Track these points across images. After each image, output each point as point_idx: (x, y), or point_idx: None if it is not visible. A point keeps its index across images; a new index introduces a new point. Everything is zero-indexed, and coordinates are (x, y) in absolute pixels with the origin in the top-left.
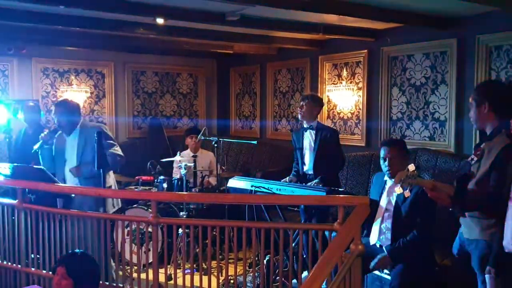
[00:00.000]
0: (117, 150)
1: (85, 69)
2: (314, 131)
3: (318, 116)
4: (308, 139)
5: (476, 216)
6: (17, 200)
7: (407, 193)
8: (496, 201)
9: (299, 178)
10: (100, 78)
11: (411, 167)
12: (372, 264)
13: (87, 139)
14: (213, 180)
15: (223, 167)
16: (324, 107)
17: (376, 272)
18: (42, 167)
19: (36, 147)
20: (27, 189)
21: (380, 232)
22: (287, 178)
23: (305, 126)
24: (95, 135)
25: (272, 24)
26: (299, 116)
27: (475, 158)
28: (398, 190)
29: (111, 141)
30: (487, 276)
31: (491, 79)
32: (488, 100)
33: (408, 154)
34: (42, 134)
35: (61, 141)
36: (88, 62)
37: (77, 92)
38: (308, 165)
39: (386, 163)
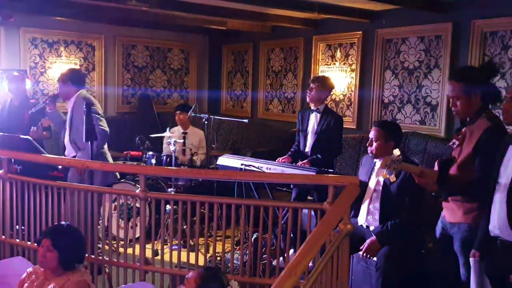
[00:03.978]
0: (103, 125)
1: (75, 40)
2: (319, 115)
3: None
4: (313, 121)
5: (458, 200)
6: (2, 170)
7: (392, 178)
8: (483, 186)
9: (296, 158)
10: (90, 51)
11: (396, 151)
12: (362, 251)
13: (74, 109)
14: (199, 160)
15: (213, 145)
16: None
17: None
18: (28, 137)
19: (33, 110)
20: (13, 159)
21: (368, 212)
22: (280, 158)
23: (312, 108)
24: (84, 106)
25: (267, 0)
26: (307, 99)
27: (457, 142)
28: (384, 175)
29: (97, 115)
30: (471, 259)
31: (466, 65)
32: (481, 89)
33: (395, 137)
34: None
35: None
36: (78, 34)
37: (66, 64)
38: (308, 147)
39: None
